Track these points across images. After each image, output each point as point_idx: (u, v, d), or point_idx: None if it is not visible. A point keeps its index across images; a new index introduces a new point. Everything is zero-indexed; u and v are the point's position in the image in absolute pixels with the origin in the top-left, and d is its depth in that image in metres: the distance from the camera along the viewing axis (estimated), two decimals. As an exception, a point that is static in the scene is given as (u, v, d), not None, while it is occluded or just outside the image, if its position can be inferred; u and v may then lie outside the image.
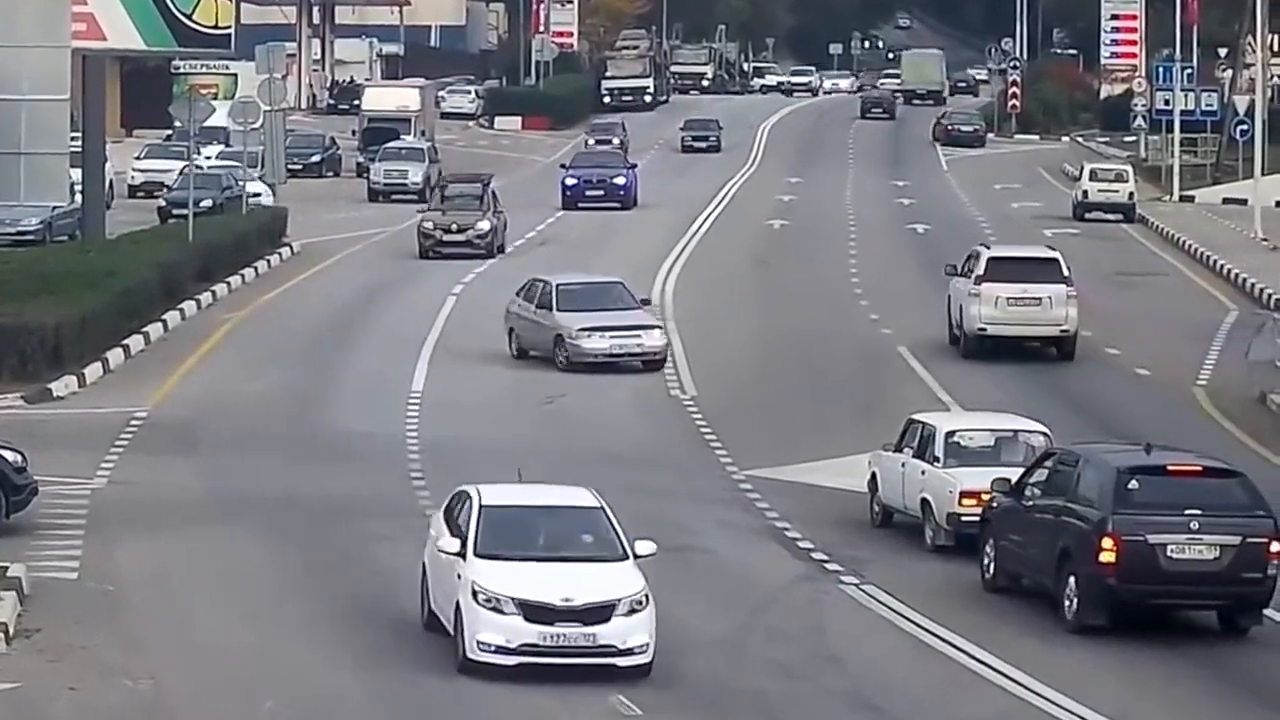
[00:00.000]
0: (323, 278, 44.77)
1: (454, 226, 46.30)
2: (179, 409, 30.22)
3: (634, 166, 59.93)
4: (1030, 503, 20.88)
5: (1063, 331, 34.55)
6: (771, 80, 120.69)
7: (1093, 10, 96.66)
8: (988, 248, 36.83)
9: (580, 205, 56.81)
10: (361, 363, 34.39)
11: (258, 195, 54.28)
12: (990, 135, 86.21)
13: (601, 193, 57.45)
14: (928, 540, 23.01)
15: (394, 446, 27.81)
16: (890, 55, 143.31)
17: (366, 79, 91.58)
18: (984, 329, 34.48)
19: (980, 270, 34.77)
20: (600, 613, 17.67)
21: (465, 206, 47.14)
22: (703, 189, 63.11)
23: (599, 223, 54.18)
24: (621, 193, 57.62)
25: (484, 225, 46.51)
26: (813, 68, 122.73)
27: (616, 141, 71.79)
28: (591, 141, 71.93)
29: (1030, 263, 35.52)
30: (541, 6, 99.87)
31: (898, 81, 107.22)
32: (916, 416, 24.10)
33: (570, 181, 57.79)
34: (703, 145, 77.33)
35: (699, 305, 40.69)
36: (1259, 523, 19.86)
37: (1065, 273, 34.95)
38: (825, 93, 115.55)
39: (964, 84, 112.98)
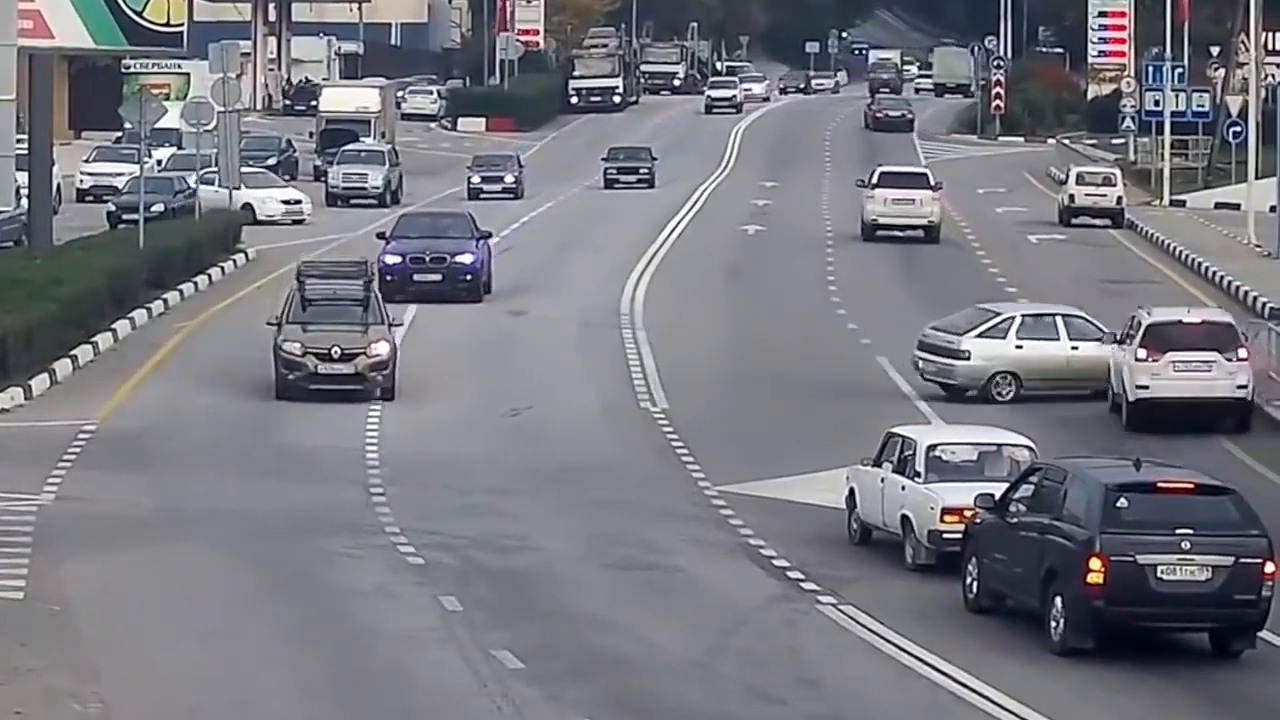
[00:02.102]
0: (279, 285, 44.10)
1: (335, 351, 30.76)
2: (129, 422, 29.84)
3: (485, 236, 41.55)
4: (1015, 520, 20.58)
5: (929, 222, 50.41)
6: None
7: (1080, 8, 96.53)
8: (882, 165, 53.97)
9: (404, 296, 38.34)
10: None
11: (298, 203, 53.79)
12: (974, 137, 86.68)
13: (438, 277, 39.97)
14: (908, 558, 22.67)
15: (353, 460, 27.46)
16: (856, 52, 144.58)
17: (324, 79, 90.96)
18: (876, 219, 50.61)
19: (875, 180, 51.30)
20: None
21: (343, 316, 31.31)
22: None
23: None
24: (465, 276, 40.13)
25: (381, 348, 30.81)
26: (735, 79, 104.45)
27: (510, 179, 60.92)
28: (476, 179, 60.87)
29: (908, 175, 53.15)
30: (506, 4, 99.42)
31: (920, 76, 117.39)
32: (896, 430, 23.75)
33: (391, 260, 39.71)
34: (630, 179, 64.80)
35: (670, 313, 40.32)
36: (1253, 542, 19.55)
37: (932, 182, 51.61)
38: (735, 99, 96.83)
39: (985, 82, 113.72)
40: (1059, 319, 32.14)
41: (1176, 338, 30.17)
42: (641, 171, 65.39)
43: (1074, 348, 31.63)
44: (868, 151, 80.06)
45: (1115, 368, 30.70)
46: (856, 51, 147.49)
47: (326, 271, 33.06)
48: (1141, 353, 29.86)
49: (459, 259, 40.43)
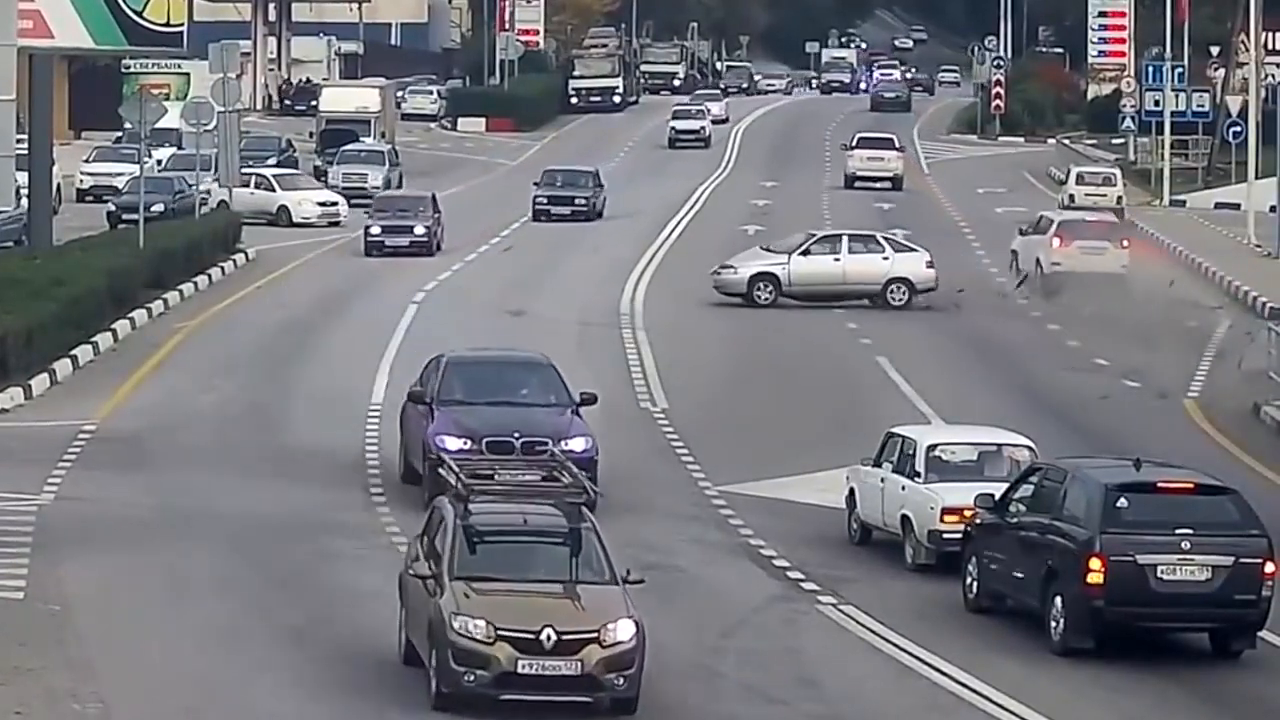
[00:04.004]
0: (279, 285, 44.19)
1: (547, 636, 17.32)
2: (129, 422, 29.75)
3: (587, 402, 25.78)
4: (1015, 520, 20.59)
5: (894, 174, 65.65)
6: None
7: (1080, 7, 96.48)
8: (860, 133, 69.73)
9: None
10: (320, 373, 33.93)
11: (334, 204, 53.69)
12: (974, 137, 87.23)
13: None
14: (908, 558, 22.65)
15: (353, 461, 27.38)
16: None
17: (324, 79, 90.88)
18: (855, 172, 65.88)
19: (854, 143, 67.28)
20: None
21: (542, 565, 17.91)
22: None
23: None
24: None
25: (623, 630, 17.42)
26: (702, 106, 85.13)
27: (421, 230, 47.31)
28: (375, 230, 47.45)
29: (879, 139, 68.21)
30: (506, 3, 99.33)
31: (943, 70, 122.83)
32: (896, 430, 23.73)
33: (453, 445, 24.07)
34: (564, 211, 54.88)
35: (671, 313, 40.35)
36: (1253, 542, 19.57)
37: (898, 145, 67.59)
38: (703, 133, 79.53)
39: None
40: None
41: (1084, 232, 43.57)
42: (579, 201, 55.00)
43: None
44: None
45: (1027, 251, 43.84)
46: (858, 46, 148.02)
47: (504, 481, 18.91)
48: (1056, 241, 43.06)
49: (567, 448, 23.74)
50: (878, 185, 64.71)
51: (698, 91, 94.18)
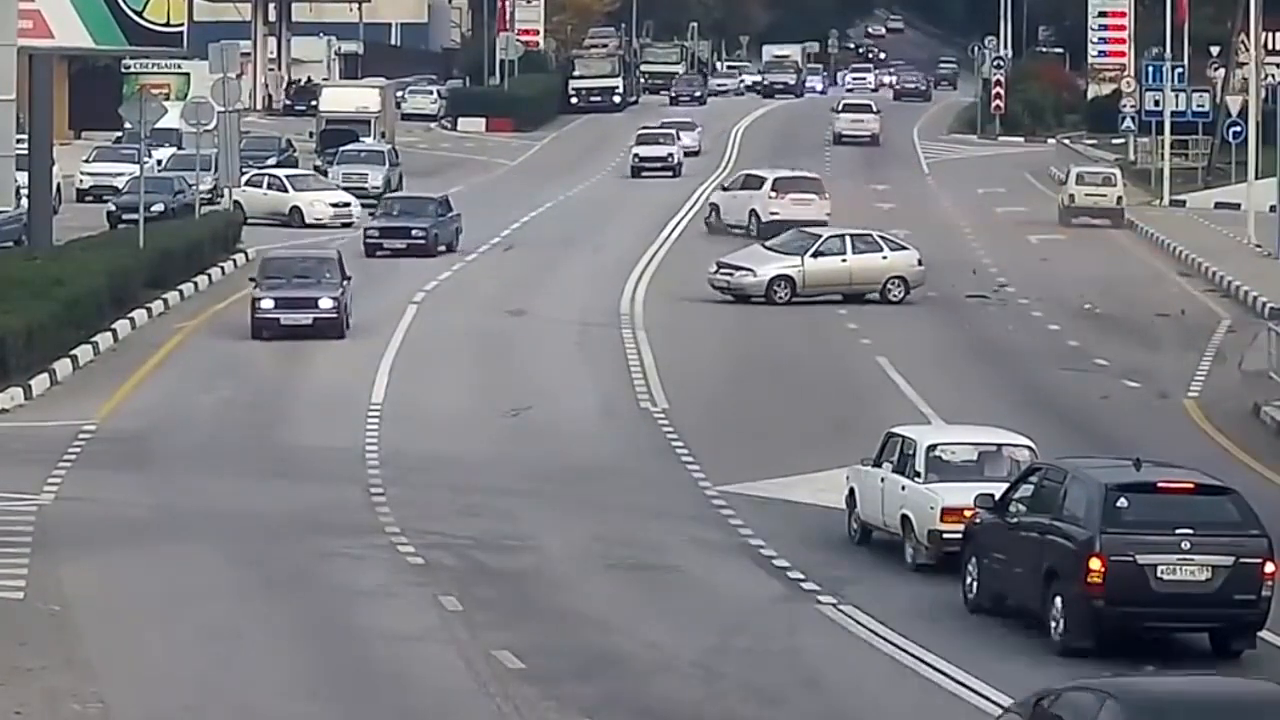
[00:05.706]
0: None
1: None
2: (129, 422, 29.80)
3: None
4: (1015, 520, 20.56)
5: (872, 133, 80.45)
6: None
7: (1080, 8, 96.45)
8: (844, 99, 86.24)
9: None
10: (319, 373, 33.95)
11: (347, 205, 53.53)
12: (974, 137, 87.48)
13: None
14: (908, 558, 22.62)
15: (353, 460, 27.39)
16: (860, 50, 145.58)
17: (324, 79, 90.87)
18: (841, 132, 79.86)
19: (840, 108, 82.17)
20: None
21: None
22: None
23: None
24: None
25: None
26: (672, 130, 72.16)
27: (329, 302, 36.05)
28: (266, 303, 36.08)
29: (860, 105, 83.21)
30: (506, 4, 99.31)
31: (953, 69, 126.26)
32: (896, 430, 23.71)
33: None
34: (399, 245, 46.71)
35: (671, 313, 40.34)
36: (1253, 542, 19.52)
37: (875, 109, 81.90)
38: (671, 160, 69.17)
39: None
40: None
41: (794, 187, 51.90)
42: (415, 233, 46.78)
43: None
44: (869, 153, 79.92)
45: (734, 204, 52.03)
46: (860, 50, 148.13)
47: None
48: (773, 194, 51.44)
49: None
50: (860, 141, 79.16)
51: (664, 120, 78.24)
